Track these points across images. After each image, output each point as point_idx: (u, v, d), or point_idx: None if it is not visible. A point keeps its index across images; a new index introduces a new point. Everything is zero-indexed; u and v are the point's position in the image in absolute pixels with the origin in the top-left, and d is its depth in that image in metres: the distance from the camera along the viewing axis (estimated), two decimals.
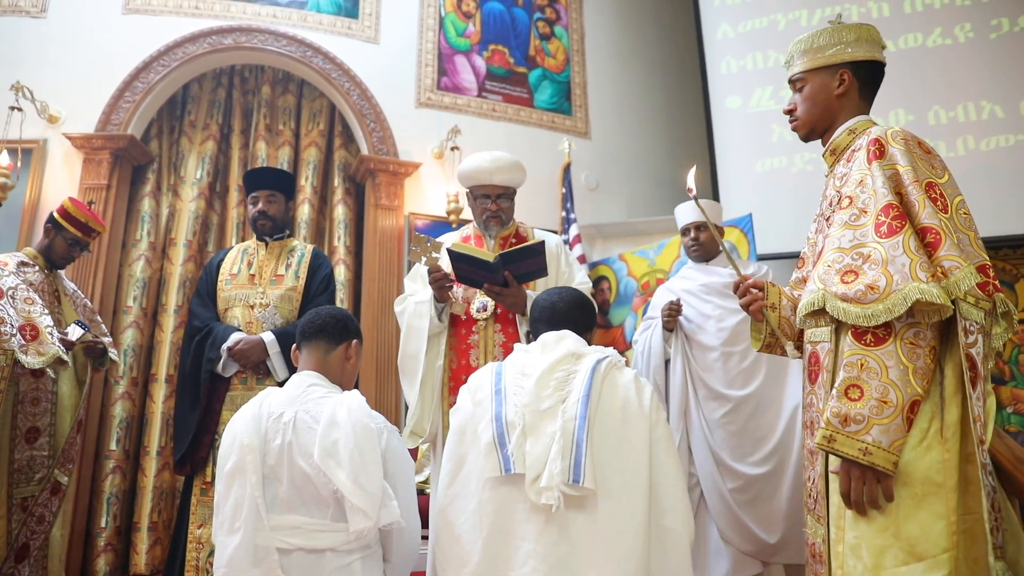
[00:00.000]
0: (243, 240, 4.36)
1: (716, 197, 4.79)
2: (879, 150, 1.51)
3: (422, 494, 2.80)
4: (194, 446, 2.75)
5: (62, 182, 4.01)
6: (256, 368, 2.79)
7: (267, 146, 4.55)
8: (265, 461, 1.73)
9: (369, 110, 4.62)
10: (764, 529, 2.85)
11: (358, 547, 1.67)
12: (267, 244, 3.06)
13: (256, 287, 2.94)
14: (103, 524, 3.77)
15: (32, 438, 2.82)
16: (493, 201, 2.69)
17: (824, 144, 1.77)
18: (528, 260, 2.42)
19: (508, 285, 2.44)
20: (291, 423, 1.75)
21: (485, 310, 2.58)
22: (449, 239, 2.74)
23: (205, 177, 4.41)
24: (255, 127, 4.60)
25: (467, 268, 2.43)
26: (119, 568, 3.82)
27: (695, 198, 1.80)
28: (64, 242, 3.02)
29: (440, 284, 2.47)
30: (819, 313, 1.50)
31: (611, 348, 1.90)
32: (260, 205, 3.02)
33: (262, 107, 4.63)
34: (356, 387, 2.03)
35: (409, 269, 4.39)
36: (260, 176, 3.12)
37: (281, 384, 2.64)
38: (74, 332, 2.83)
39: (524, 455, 1.65)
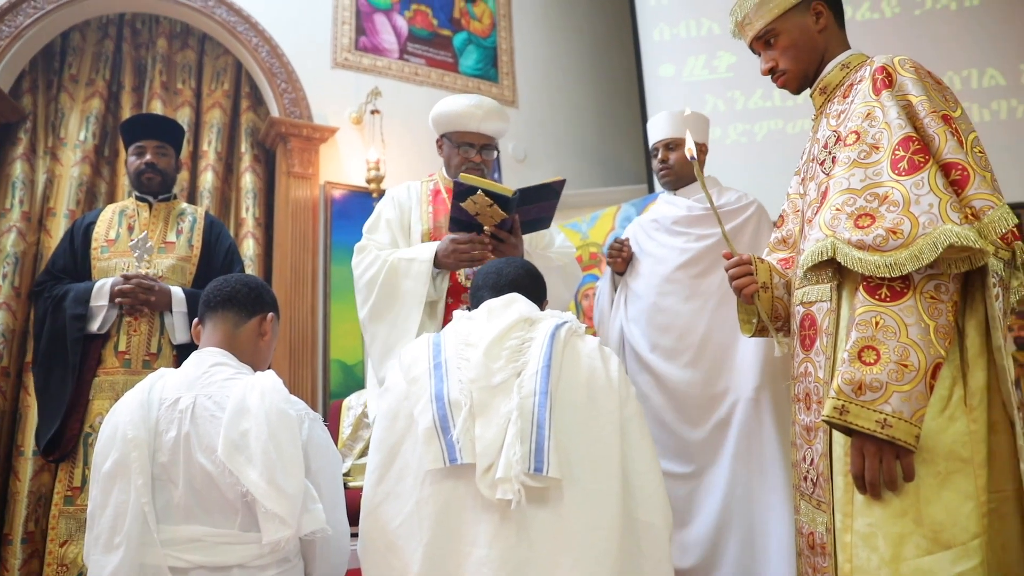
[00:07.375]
0: None
1: (649, 168, 4.63)
2: (887, 79, 1.31)
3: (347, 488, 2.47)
4: (64, 425, 2.25)
5: None
6: (150, 309, 2.34)
7: (164, 106, 4.05)
8: (155, 459, 1.40)
9: (280, 69, 4.19)
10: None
11: (274, 561, 1.37)
12: (151, 205, 2.63)
13: None
14: None
15: None
16: (478, 152, 2.31)
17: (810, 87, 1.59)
18: (542, 203, 2.06)
19: (513, 232, 2.06)
20: (189, 411, 1.42)
21: None
22: (411, 190, 2.37)
23: (91, 139, 3.88)
24: (150, 84, 4.09)
25: (465, 209, 1.99)
26: None
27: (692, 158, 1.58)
28: None
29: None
30: (822, 266, 1.30)
31: (569, 312, 1.65)
32: (148, 156, 2.58)
33: (158, 62, 4.12)
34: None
35: (326, 241, 4.07)
36: (147, 124, 2.69)
37: (178, 360, 2.25)
38: None
39: (473, 441, 1.37)
